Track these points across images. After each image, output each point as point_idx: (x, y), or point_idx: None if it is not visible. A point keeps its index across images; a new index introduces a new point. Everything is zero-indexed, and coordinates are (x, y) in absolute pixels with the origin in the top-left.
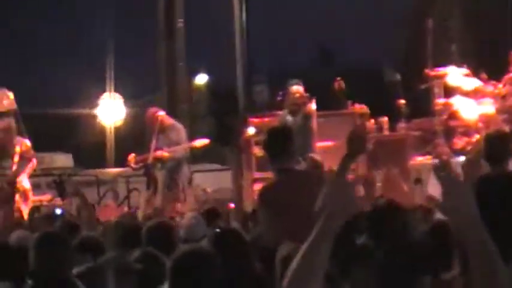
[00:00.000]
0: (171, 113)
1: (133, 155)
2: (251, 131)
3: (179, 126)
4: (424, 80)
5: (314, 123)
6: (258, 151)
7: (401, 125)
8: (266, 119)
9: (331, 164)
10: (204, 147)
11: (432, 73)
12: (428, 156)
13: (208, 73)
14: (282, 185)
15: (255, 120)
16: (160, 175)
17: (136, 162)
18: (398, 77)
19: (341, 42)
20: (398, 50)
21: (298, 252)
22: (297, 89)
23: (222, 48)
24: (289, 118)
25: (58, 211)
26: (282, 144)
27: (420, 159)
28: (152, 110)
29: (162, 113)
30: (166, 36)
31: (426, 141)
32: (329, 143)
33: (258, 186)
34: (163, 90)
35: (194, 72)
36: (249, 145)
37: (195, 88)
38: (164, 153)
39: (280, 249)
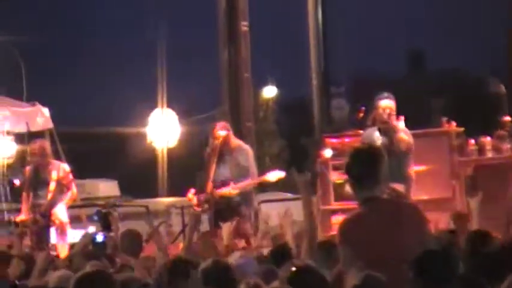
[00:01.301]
0: (234, 131)
1: (193, 191)
2: (328, 153)
3: (247, 148)
4: None
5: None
6: (336, 177)
7: (507, 145)
8: (346, 140)
9: (422, 192)
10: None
11: None
12: None
13: (278, 85)
14: (368, 218)
15: (333, 140)
16: None
17: (199, 204)
18: (503, 88)
19: (434, 46)
20: (502, 57)
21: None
22: (388, 103)
23: (294, 56)
24: (378, 137)
25: (100, 237)
26: (369, 167)
27: None
28: (220, 124)
29: (224, 132)
30: (229, 42)
31: None
32: (421, 167)
33: (336, 219)
34: (224, 106)
35: (261, 84)
36: (325, 170)
37: (262, 103)
38: (232, 191)
39: (349, 277)
